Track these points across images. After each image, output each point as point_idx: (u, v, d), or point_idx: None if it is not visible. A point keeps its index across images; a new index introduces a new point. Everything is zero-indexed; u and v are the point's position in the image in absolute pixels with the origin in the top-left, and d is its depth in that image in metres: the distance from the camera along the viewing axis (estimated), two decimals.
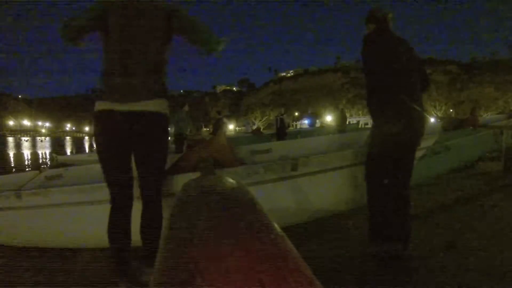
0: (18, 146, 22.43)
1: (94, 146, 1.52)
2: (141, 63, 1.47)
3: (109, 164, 1.49)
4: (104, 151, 1.48)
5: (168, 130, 1.60)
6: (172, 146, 6.27)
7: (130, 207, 1.53)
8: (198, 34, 1.52)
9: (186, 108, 7.27)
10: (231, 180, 1.02)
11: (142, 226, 1.51)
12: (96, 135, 1.50)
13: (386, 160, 1.89)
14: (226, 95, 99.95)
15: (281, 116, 10.00)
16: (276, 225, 0.60)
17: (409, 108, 1.84)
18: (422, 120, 1.93)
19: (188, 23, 1.52)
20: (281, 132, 9.71)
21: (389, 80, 1.88)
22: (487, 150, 4.16)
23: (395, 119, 1.85)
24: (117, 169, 1.48)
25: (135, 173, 1.54)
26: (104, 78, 1.48)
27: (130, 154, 1.51)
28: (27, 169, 7.70)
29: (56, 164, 5.61)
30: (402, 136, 1.86)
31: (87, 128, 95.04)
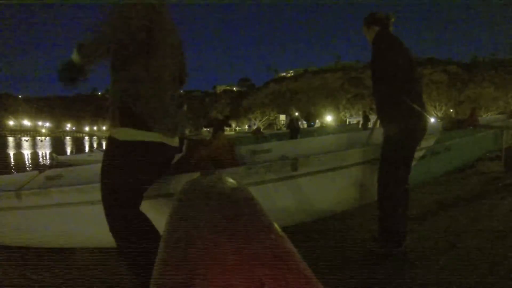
0: (18, 146, 22.42)
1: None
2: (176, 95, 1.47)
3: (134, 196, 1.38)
4: (136, 185, 1.35)
5: None
6: None
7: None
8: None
9: (184, 108, 7.29)
10: (231, 180, 1.02)
11: None
12: (133, 165, 1.31)
13: (399, 159, 1.92)
14: (226, 95, 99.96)
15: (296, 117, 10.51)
16: (276, 225, 0.60)
17: (419, 110, 1.88)
18: (426, 121, 1.98)
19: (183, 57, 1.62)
20: (294, 131, 10.06)
21: (405, 79, 1.88)
22: (487, 150, 4.16)
23: (410, 120, 1.88)
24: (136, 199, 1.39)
25: None
26: (149, 105, 1.30)
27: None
28: (27, 169, 7.71)
29: (56, 164, 5.60)
30: (413, 135, 1.92)
31: (87, 128, 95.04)
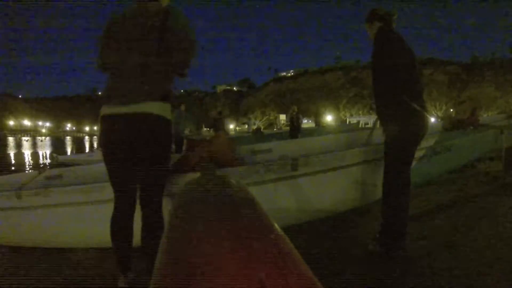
0: (18, 146, 22.41)
1: (96, 147, 1.52)
2: (141, 64, 1.44)
3: (114, 168, 1.49)
4: (109, 155, 1.48)
5: (171, 135, 1.56)
6: (172, 147, 6.27)
7: (133, 210, 1.53)
8: (187, 37, 1.47)
9: (182, 107, 7.29)
10: (231, 180, 1.02)
11: (142, 232, 1.49)
12: (101, 139, 1.50)
13: (400, 160, 1.90)
14: (226, 95, 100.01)
15: (296, 115, 10.37)
16: (276, 225, 0.60)
17: (419, 109, 1.86)
18: (427, 120, 1.96)
19: (182, 22, 1.47)
20: (294, 130, 10.04)
21: (405, 77, 1.86)
22: (487, 150, 4.16)
23: (410, 119, 1.86)
24: (122, 173, 1.49)
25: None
26: (107, 82, 1.51)
27: (135, 159, 1.47)
28: (27, 169, 7.71)
29: (56, 164, 5.60)
30: (414, 135, 1.90)
31: (87, 128, 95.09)
